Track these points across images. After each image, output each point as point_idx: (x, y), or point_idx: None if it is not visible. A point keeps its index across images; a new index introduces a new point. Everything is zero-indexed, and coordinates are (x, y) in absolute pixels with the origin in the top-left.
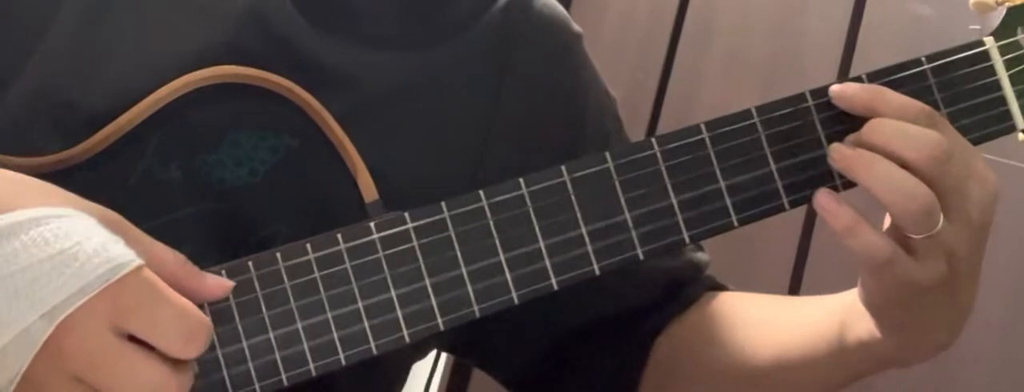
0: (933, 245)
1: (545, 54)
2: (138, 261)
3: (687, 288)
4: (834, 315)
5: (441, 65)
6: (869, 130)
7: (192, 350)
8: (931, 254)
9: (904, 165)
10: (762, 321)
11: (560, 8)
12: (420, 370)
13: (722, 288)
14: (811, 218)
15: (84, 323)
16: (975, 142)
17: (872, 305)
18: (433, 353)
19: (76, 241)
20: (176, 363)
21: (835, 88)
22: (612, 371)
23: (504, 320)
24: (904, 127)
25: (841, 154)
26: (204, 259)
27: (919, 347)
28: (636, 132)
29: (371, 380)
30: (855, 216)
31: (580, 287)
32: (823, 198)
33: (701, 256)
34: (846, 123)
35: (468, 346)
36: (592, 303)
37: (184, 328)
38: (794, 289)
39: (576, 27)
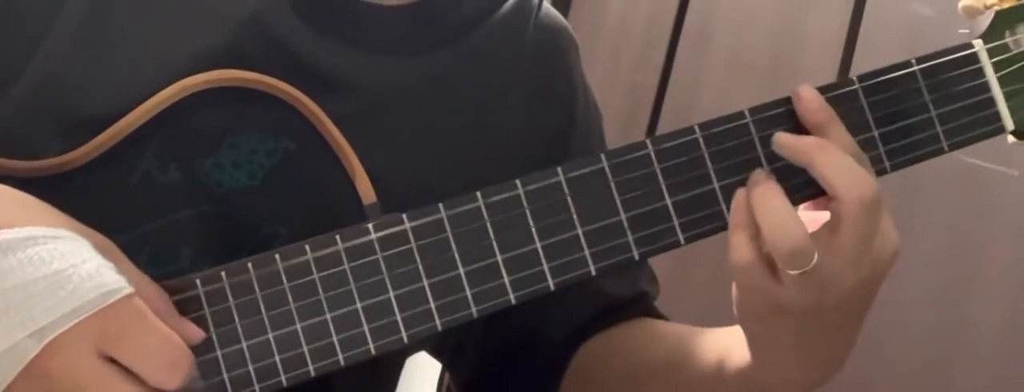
0: (800, 279)
1: (546, 61)
2: (130, 289)
3: (623, 310)
4: (724, 344)
5: (443, 69)
6: (823, 155)
7: (174, 379)
8: (797, 283)
9: (832, 195)
10: (668, 350)
11: (561, 17)
12: (431, 369)
13: (661, 318)
14: None
15: (71, 345)
16: (967, 143)
17: (739, 316)
18: None
19: (71, 264)
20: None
21: (801, 91)
22: (537, 376)
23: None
24: (849, 167)
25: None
26: (203, 261)
27: (783, 376)
28: (636, 133)
29: (367, 376)
30: (746, 220)
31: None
32: (739, 194)
33: (651, 289)
34: None
35: (438, 345)
36: (533, 314)
37: (168, 357)
38: None
39: (574, 37)
